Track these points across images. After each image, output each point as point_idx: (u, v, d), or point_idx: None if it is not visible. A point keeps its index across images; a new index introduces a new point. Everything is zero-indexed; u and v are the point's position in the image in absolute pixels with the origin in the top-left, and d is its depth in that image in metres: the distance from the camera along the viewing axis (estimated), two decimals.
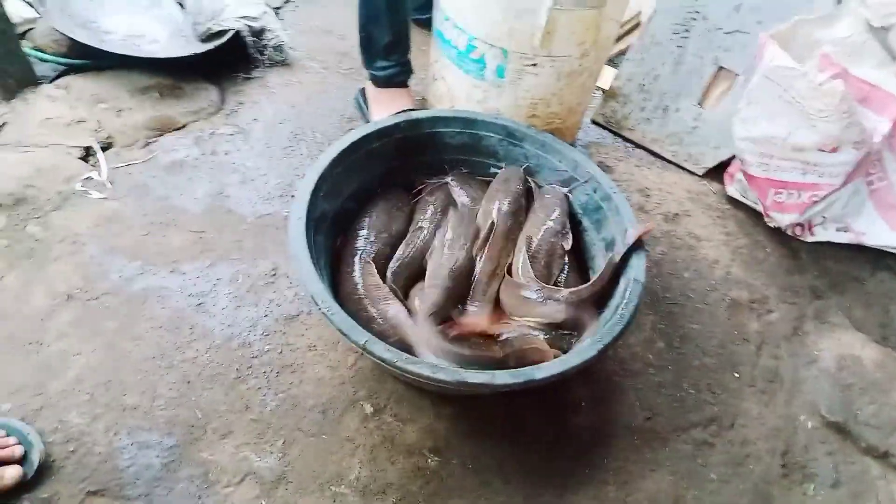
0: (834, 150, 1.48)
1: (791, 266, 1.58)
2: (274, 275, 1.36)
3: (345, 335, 1.02)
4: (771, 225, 1.63)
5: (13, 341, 1.20)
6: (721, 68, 1.69)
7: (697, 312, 1.45)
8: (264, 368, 1.23)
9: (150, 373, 1.19)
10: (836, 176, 1.51)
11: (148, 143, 1.54)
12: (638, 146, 1.82)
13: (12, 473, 1.01)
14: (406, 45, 1.57)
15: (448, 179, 1.40)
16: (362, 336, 1.02)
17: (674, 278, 1.50)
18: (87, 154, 1.50)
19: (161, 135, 1.58)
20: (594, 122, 1.86)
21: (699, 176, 1.76)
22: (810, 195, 1.54)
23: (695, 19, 1.67)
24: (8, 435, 1.05)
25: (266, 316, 1.30)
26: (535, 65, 1.41)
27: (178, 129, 1.60)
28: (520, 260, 1.25)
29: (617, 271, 1.23)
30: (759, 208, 1.63)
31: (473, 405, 1.23)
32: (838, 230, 1.60)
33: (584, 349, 1.06)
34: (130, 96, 1.60)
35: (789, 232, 1.62)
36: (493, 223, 1.27)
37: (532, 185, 1.42)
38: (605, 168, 1.73)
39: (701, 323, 1.43)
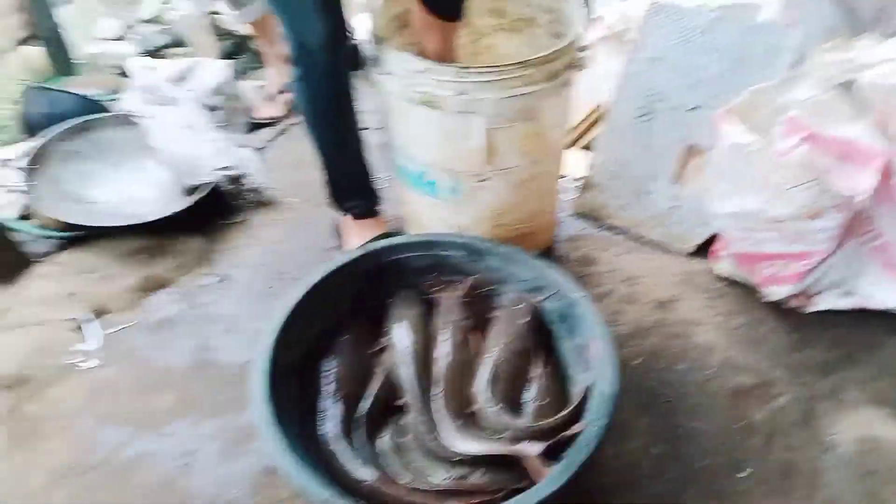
0: (815, 216, 1.41)
1: (796, 341, 1.48)
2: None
3: (305, 495, 1.01)
4: (766, 301, 1.54)
5: None
6: (690, 146, 1.66)
7: (697, 407, 1.36)
8: None
9: None
10: (825, 241, 1.43)
11: (137, 306, 1.61)
12: (622, 232, 1.78)
13: None
14: (369, 183, 1.62)
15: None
16: (322, 495, 1.00)
17: (668, 372, 1.43)
18: (80, 325, 1.57)
19: (150, 294, 1.64)
20: (577, 214, 1.84)
21: (689, 255, 1.70)
22: (802, 264, 1.47)
23: (656, 101, 1.66)
24: None
25: (251, 467, 1.30)
26: (485, 180, 1.42)
27: (166, 286, 1.67)
28: (480, 386, 1.23)
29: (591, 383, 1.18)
30: (753, 283, 1.56)
31: None
32: (842, 296, 1.50)
33: (553, 477, 1.01)
34: (119, 262, 1.69)
35: (789, 304, 1.53)
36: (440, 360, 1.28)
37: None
38: (590, 260, 1.69)
39: (701, 419, 1.34)
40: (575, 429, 1.14)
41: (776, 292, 1.50)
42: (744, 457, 1.29)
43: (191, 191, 1.81)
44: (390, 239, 1.42)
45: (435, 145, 1.37)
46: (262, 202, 1.91)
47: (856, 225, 1.44)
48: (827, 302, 1.51)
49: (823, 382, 1.41)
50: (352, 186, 1.57)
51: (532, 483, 1.08)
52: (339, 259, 1.37)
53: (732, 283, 1.62)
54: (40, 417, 1.41)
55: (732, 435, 1.32)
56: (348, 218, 1.67)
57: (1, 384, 1.47)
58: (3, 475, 1.31)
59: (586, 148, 2.00)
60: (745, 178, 1.43)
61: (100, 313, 1.61)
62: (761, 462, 1.28)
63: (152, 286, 1.66)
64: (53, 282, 1.62)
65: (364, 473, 1.14)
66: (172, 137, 1.82)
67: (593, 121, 1.98)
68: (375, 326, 1.41)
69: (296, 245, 1.78)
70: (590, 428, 1.07)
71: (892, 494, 1.21)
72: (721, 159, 1.45)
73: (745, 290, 1.60)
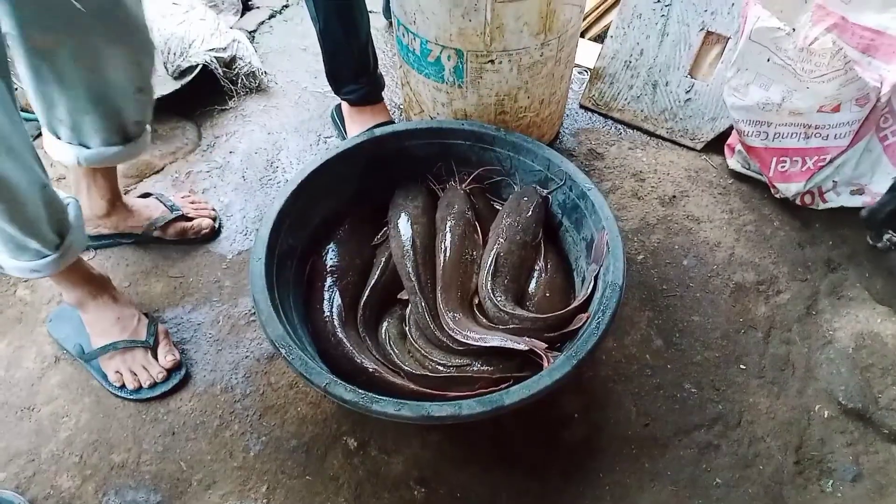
0: (835, 109, 1.36)
1: (803, 239, 1.46)
2: (254, 313, 1.35)
3: (305, 378, 1.00)
4: (778, 197, 1.51)
5: (7, 408, 1.23)
6: (709, 33, 1.58)
7: (698, 302, 1.36)
8: (247, 412, 1.22)
9: (136, 428, 1.20)
10: (843, 137, 1.39)
11: (127, 192, 1.55)
12: (630, 126, 1.72)
13: None
14: (372, 66, 1.52)
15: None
16: (323, 379, 1.00)
17: (671, 267, 1.41)
18: None
19: (140, 181, 1.59)
20: (582, 107, 1.77)
21: (698, 151, 1.65)
22: (816, 160, 1.43)
23: None
24: None
25: (247, 357, 1.29)
26: (491, 62, 1.34)
27: (157, 172, 1.61)
28: (483, 277, 1.20)
29: (596, 275, 1.17)
30: (765, 180, 1.52)
31: (460, 430, 1.20)
32: (853, 193, 1.47)
33: (556, 367, 1.01)
34: None
35: (798, 202, 1.50)
36: (444, 249, 1.25)
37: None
38: (596, 155, 1.64)
39: (702, 314, 1.34)
40: (579, 321, 1.14)
41: (787, 189, 1.47)
42: (742, 351, 1.30)
43: (180, 73, 1.71)
44: (394, 125, 1.35)
45: (440, 19, 1.28)
46: (255, 88, 1.81)
47: (872, 122, 1.40)
48: (838, 199, 1.48)
49: (826, 280, 1.40)
50: (354, 68, 1.48)
51: (534, 372, 1.08)
52: (342, 144, 1.31)
53: (743, 179, 1.58)
54: (31, 302, 1.38)
55: (732, 329, 1.32)
56: (348, 105, 1.59)
57: None
58: None
59: (598, 39, 1.90)
60: (767, 67, 1.37)
61: None
62: (758, 357, 1.29)
63: (141, 173, 1.60)
64: None
65: (365, 361, 1.13)
66: (161, 14, 1.70)
67: (608, 6, 1.87)
68: (378, 215, 1.37)
69: (293, 133, 1.71)
70: (595, 319, 1.06)
71: (885, 387, 1.23)
72: (743, 47, 1.38)
73: (754, 188, 1.56)
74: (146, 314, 1.32)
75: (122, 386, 1.23)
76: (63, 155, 1.21)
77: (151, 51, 1.18)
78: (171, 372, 1.25)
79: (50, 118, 1.16)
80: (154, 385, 1.23)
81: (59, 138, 1.20)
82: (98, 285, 1.25)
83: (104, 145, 1.21)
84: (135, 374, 1.23)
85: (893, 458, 1.16)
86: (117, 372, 1.23)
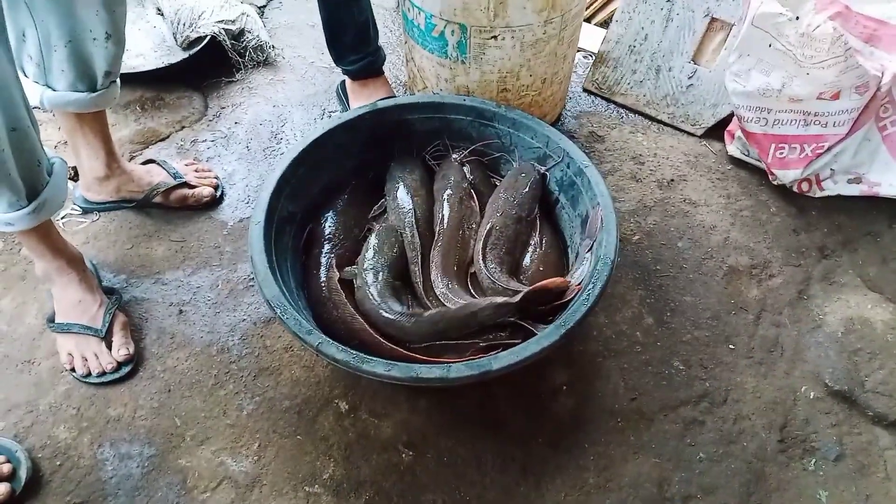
0: (835, 97, 1.37)
1: (798, 225, 1.47)
2: (252, 278, 1.37)
3: (298, 338, 1.03)
4: (776, 183, 1.52)
5: (8, 361, 1.26)
6: (714, 19, 1.59)
7: (690, 283, 1.37)
8: (242, 373, 1.24)
9: (133, 384, 1.23)
10: (842, 124, 1.40)
11: (132, 158, 1.58)
12: (632, 111, 1.73)
13: (1, 490, 1.07)
14: (373, 35, 1.53)
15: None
16: (316, 339, 1.02)
17: (666, 249, 1.43)
18: (76, 174, 1.54)
19: (145, 147, 1.61)
20: (586, 91, 1.78)
21: (698, 137, 1.66)
22: (814, 147, 1.44)
23: None
24: None
25: (244, 320, 1.32)
26: (494, 37, 1.35)
27: (162, 140, 1.63)
28: (477, 248, 1.22)
29: (589, 249, 1.18)
30: (763, 166, 1.53)
31: (449, 396, 1.22)
32: (850, 182, 1.48)
33: (544, 335, 1.03)
34: (113, 112, 1.64)
35: (795, 189, 1.51)
36: (441, 218, 1.27)
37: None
38: (597, 137, 1.65)
39: (694, 294, 1.36)
40: (571, 292, 1.15)
41: (785, 176, 1.48)
42: (732, 332, 1.31)
43: (189, 44, 1.74)
44: (397, 98, 1.37)
45: None
46: (263, 62, 1.83)
47: (872, 111, 1.40)
48: (835, 187, 1.49)
49: (819, 266, 1.41)
50: (355, 41, 1.48)
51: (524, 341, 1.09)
52: (345, 114, 1.33)
53: (741, 166, 1.59)
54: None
55: (723, 311, 1.34)
56: (350, 80, 1.60)
57: None
58: None
59: (604, 25, 1.91)
60: (769, 53, 1.38)
61: None
62: (748, 338, 1.30)
63: (147, 140, 1.62)
64: (48, 129, 1.58)
65: (359, 325, 1.15)
66: None
67: None
68: (377, 188, 1.39)
69: (298, 106, 1.73)
70: (585, 291, 1.08)
71: (872, 370, 1.24)
72: (746, 32, 1.39)
73: (752, 174, 1.57)
74: (111, 292, 1.32)
75: (73, 369, 1.23)
76: (28, 94, 1.18)
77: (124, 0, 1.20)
78: (121, 364, 1.24)
79: (20, 54, 1.17)
80: (102, 374, 1.22)
81: (26, 76, 1.21)
82: (68, 262, 1.25)
83: (69, 90, 1.22)
84: (85, 360, 1.23)
85: (876, 440, 1.17)
86: (69, 354, 1.24)
